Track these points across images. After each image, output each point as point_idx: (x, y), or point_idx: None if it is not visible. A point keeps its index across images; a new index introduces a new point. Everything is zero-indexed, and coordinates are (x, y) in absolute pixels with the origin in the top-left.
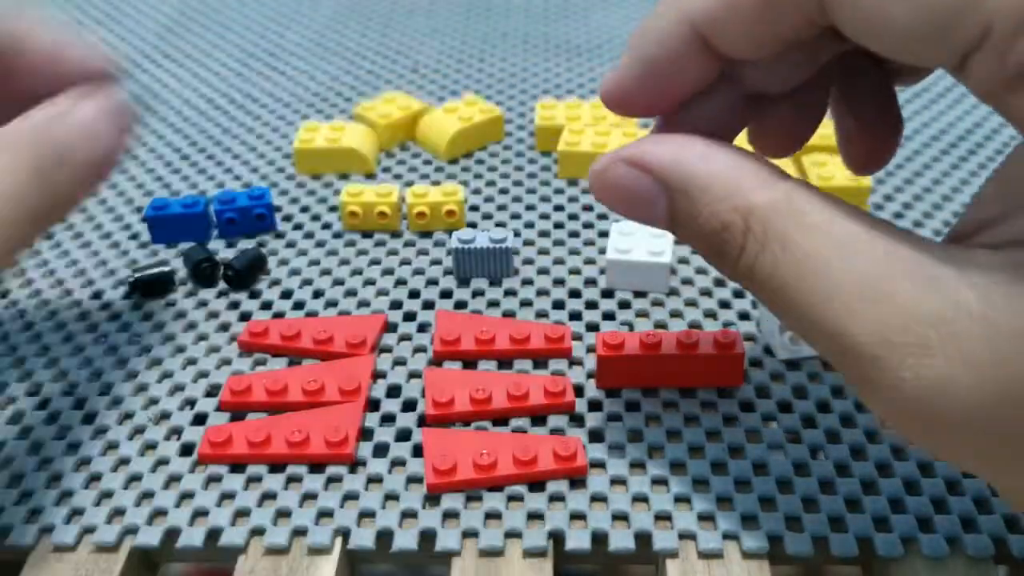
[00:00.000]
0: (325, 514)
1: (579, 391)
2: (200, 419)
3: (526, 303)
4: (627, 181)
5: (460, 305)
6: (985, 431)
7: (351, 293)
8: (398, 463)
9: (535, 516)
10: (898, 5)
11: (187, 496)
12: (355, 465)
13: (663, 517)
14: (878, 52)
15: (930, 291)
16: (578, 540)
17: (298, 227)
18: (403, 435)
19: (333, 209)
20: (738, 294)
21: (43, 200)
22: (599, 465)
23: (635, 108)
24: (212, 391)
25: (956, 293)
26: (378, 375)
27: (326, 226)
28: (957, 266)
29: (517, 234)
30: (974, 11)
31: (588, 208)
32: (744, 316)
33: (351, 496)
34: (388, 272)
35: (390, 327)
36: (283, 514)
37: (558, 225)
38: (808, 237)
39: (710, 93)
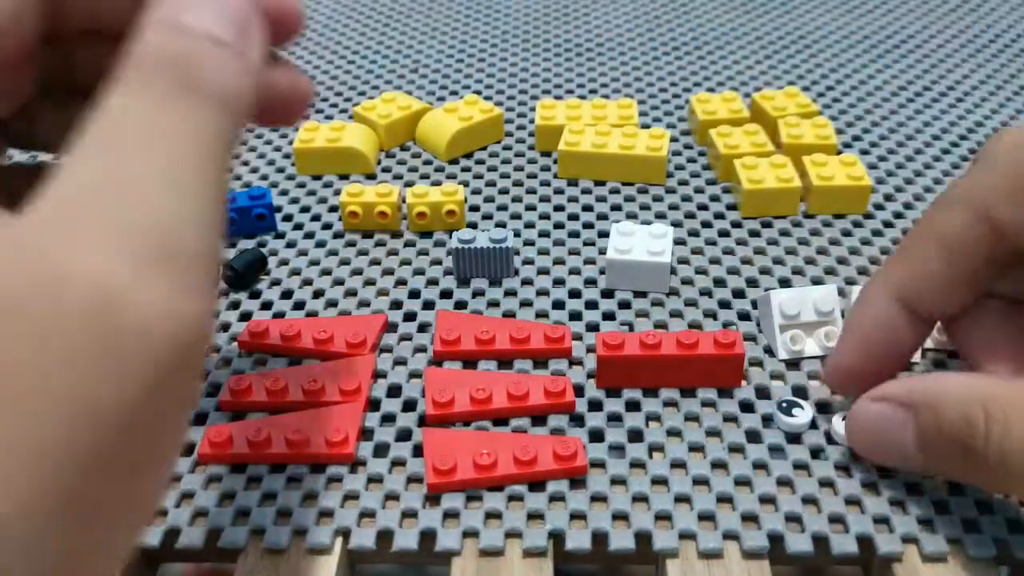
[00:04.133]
0: (325, 514)
1: (579, 391)
2: (200, 419)
3: (526, 303)
4: (877, 413)
5: (460, 305)
6: None
7: (351, 293)
8: (398, 463)
9: (535, 516)
10: None
11: (187, 496)
12: (355, 465)
13: (663, 517)
14: None
15: None
16: (578, 540)
17: (298, 227)
18: (403, 435)
19: (333, 209)
20: (738, 294)
21: None
22: (599, 465)
23: (857, 384)
24: (212, 391)
25: None
26: (378, 375)
27: (326, 226)
28: None
29: (517, 234)
30: None
31: (588, 208)
32: (744, 316)
33: (351, 496)
34: (388, 272)
35: (390, 327)
36: (283, 514)
37: (558, 225)
38: None
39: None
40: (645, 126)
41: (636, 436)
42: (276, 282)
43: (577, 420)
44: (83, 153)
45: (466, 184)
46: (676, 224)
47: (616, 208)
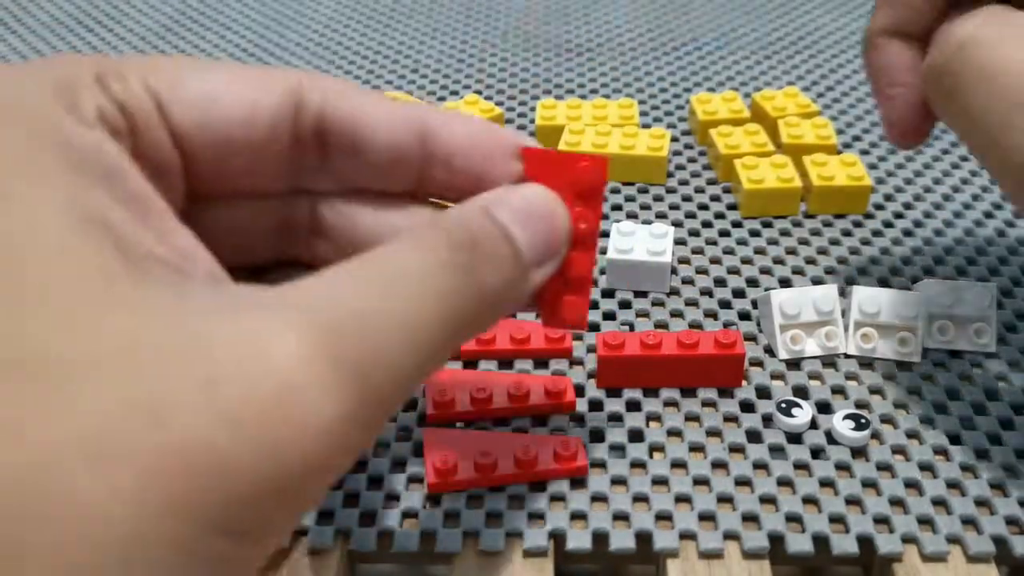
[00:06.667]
0: (325, 514)
1: (580, 391)
2: None
3: None
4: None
5: None
6: None
7: None
8: (398, 463)
9: (536, 516)
10: None
11: None
12: (355, 465)
13: (664, 517)
14: None
15: None
16: (579, 540)
17: None
18: (403, 435)
19: None
20: (738, 294)
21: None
22: (600, 465)
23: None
24: None
25: None
26: None
27: None
28: None
29: None
30: None
31: None
32: (744, 316)
33: (351, 496)
34: None
35: None
36: None
37: None
38: None
39: None
40: (645, 126)
41: (636, 436)
42: None
43: (577, 420)
44: (351, 273)
45: None
46: (676, 224)
47: (616, 208)
